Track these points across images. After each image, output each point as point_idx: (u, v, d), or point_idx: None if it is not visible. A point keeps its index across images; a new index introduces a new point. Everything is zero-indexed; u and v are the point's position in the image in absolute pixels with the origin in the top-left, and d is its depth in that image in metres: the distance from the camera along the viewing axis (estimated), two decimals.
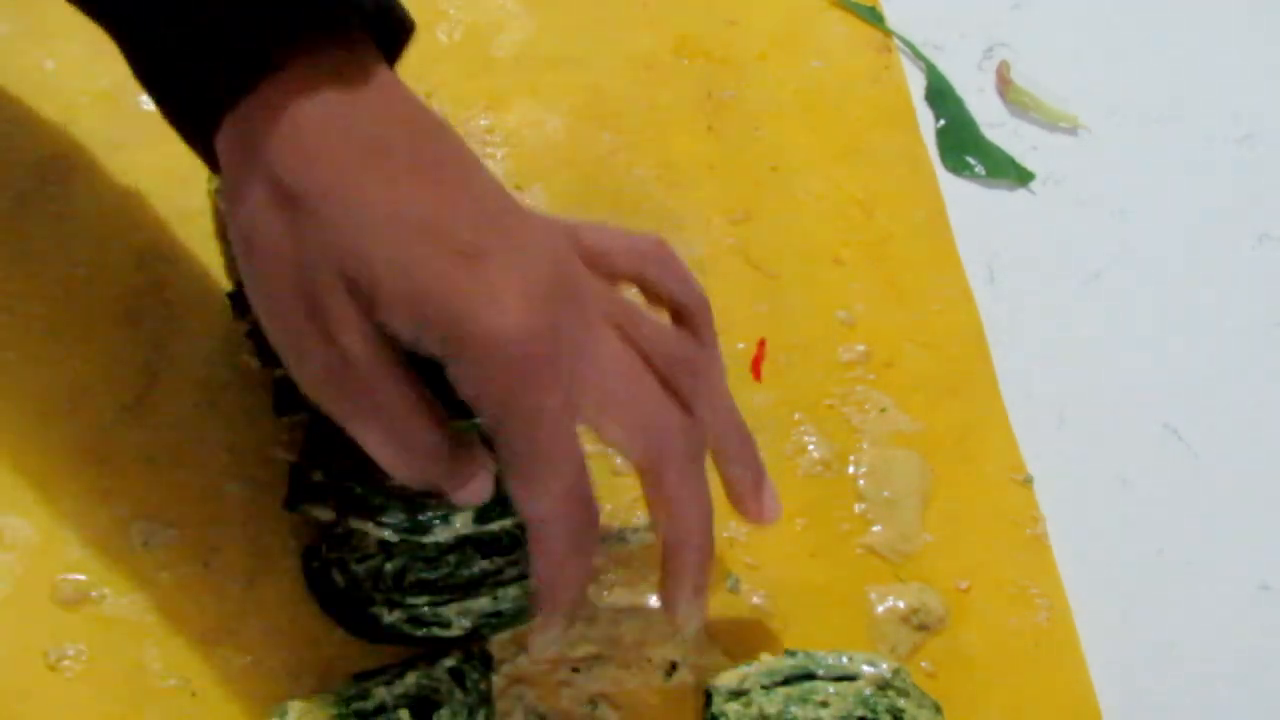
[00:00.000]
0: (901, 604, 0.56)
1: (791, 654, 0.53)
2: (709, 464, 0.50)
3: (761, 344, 0.62)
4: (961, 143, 0.70)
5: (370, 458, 0.47)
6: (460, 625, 0.52)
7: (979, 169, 0.70)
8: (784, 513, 0.53)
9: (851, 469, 0.60)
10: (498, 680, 0.53)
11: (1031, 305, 0.66)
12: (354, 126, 0.46)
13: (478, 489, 0.47)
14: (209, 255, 0.60)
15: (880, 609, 0.56)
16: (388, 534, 0.52)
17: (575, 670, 0.53)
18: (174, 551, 0.53)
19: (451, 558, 0.53)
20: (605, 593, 0.55)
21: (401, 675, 0.51)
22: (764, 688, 0.52)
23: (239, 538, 0.54)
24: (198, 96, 0.47)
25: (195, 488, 0.55)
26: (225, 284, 0.59)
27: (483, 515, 0.52)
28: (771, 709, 0.51)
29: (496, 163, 0.65)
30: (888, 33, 0.73)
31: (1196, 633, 0.58)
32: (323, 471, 0.53)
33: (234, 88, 0.45)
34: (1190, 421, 0.63)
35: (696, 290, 0.52)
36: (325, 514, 0.52)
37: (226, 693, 0.51)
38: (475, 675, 0.51)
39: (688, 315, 0.51)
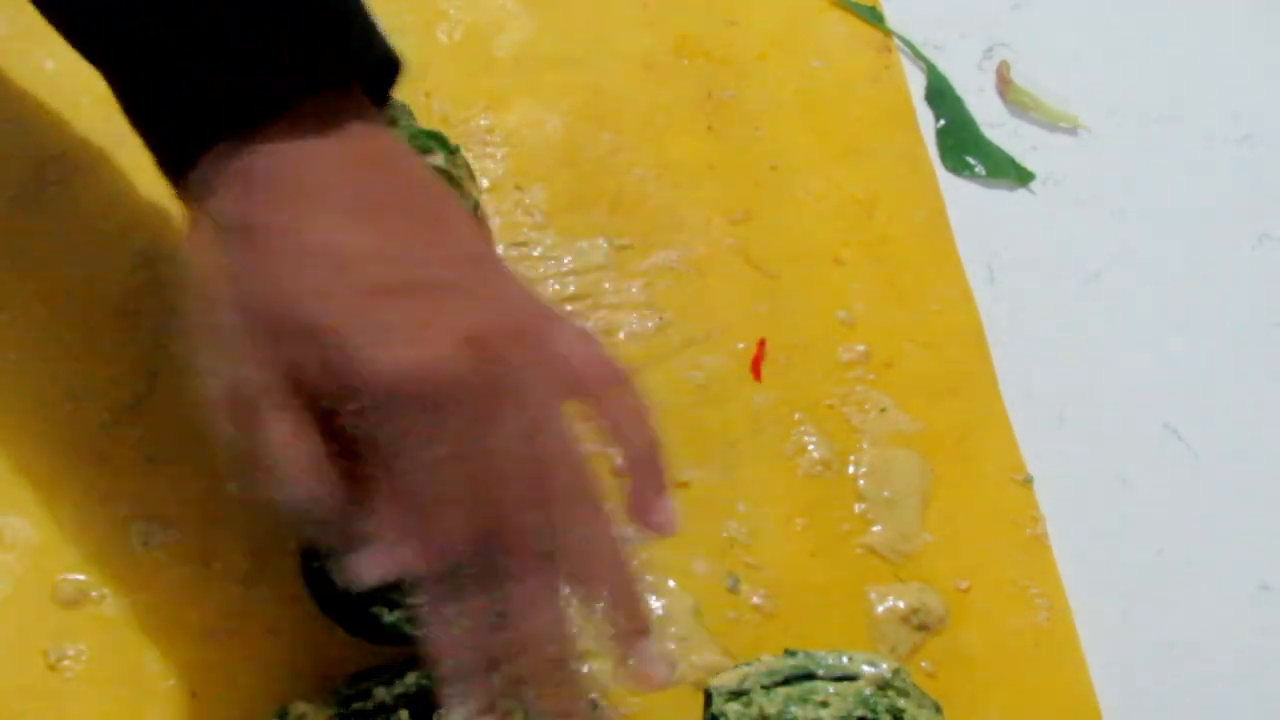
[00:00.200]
0: (901, 604, 0.56)
1: (791, 654, 0.53)
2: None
3: (761, 344, 0.62)
4: (961, 143, 0.70)
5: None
6: None
7: (979, 169, 0.70)
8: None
9: (851, 469, 0.60)
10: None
11: (1031, 305, 0.66)
12: (306, 174, 0.46)
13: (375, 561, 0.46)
14: None
15: (880, 609, 0.56)
16: None
17: (575, 670, 0.53)
18: (174, 551, 0.54)
19: None
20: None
21: (401, 675, 0.51)
22: (764, 688, 0.52)
23: (239, 538, 0.54)
24: (173, 141, 0.47)
25: (195, 488, 0.55)
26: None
27: None
28: (771, 709, 0.51)
29: (496, 163, 0.65)
30: (888, 33, 0.73)
31: (1196, 633, 0.58)
32: None
33: (208, 137, 0.46)
34: (1190, 421, 0.63)
35: (645, 433, 0.50)
36: None
37: (226, 693, 0.51)
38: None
39: (629, 459, 0.50)
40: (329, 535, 0.45)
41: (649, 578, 0.56)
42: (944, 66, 0.72)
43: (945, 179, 0.69)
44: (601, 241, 0.64)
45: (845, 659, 0.53)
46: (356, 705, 0.50)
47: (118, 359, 0.57)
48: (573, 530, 0.47)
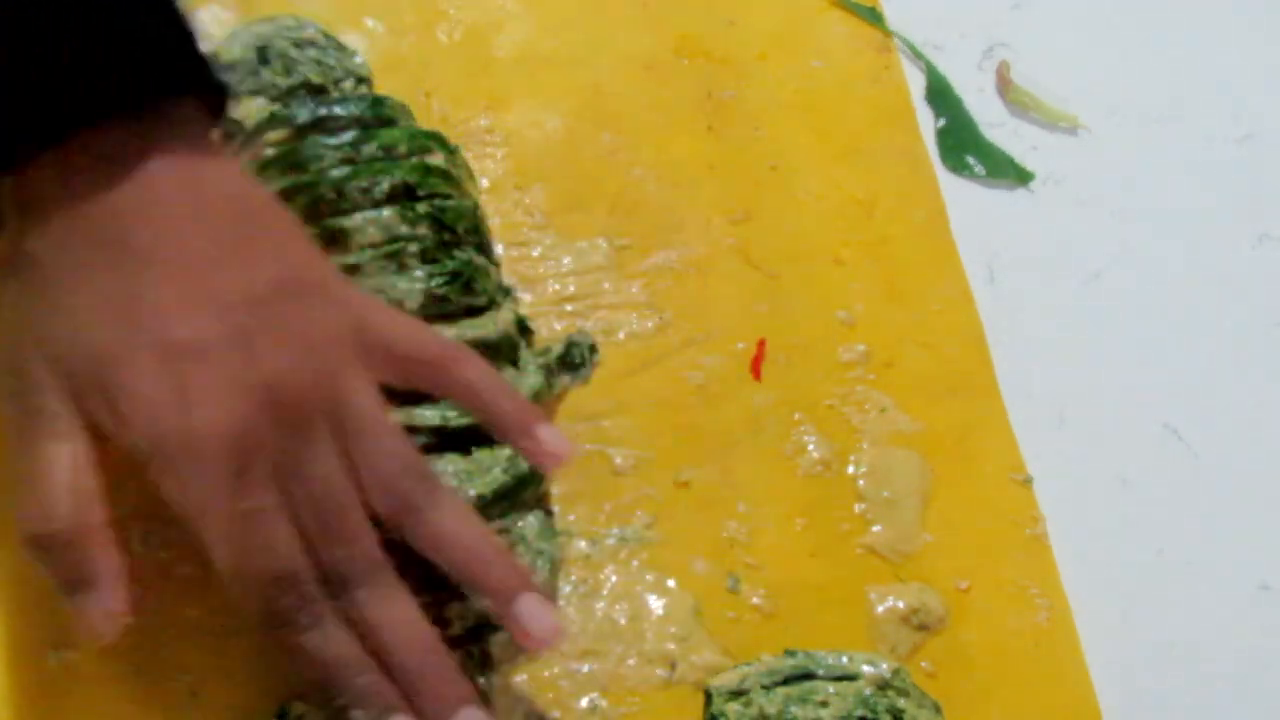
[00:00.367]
0: (901, 604, 0.56)
1: (791, 654, 0.53)
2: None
3: (761, 344, 0.62)
4: (961, 143, 0.70)
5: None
6: (460, 625, 0.52)
7: (979, 169, 0.70)
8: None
9: (851, 469, 0.60)
10: (498, 680, 0.53)
11: (1031, 305, 0.66)
12: (101, 210, 0.45)
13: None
14: None
15: (880, 609, 0.56)
16: None
17: (574, 670, 0.53)
18: (174, 551, 0.53)
19: None
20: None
21: None
22: (764, 688, 0.52)
23: None
24: None
25: None
26: None
27: (482, 515, 0.52)
28: (771, 709, 0.51)
29: (496, 162, 0.65)
30: (888, 33, 0.73)
31: (1196, 633, 0.58)
32: None
33: (8, 156, 0.45)
34: (1190, 421, 0.63)
35: (480, 403, 0.50)
36: None
37: (226, 693, 0.51)
38: (474, 676, 0.51)
39: (488, 422, 0.50)
40: (55, 573, 0.45)
41: (650, 576, 0.56)
42: (944, 66, 0.72)
43: (945, 179, 0.69)
44: (601, 241, 0.64)
45: (845, 659, 0.53)
46: None
47: None
48: (423, 514, 0.47)
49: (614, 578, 0.56)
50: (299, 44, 0.63)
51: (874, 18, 0.73)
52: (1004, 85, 0.72)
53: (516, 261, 0.63)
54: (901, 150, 0.69)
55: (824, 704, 0.51)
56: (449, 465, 0.53)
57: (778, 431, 0.60)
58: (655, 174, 0.66)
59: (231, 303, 0.46)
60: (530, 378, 0.56)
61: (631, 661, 0.54)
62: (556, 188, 0.65)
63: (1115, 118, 0.72)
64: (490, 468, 0.53)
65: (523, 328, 0.59)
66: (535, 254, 0.63)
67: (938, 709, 0.53)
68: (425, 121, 0.63)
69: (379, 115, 0.60)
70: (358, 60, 0.65)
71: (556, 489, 0.57)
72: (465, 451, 0.54)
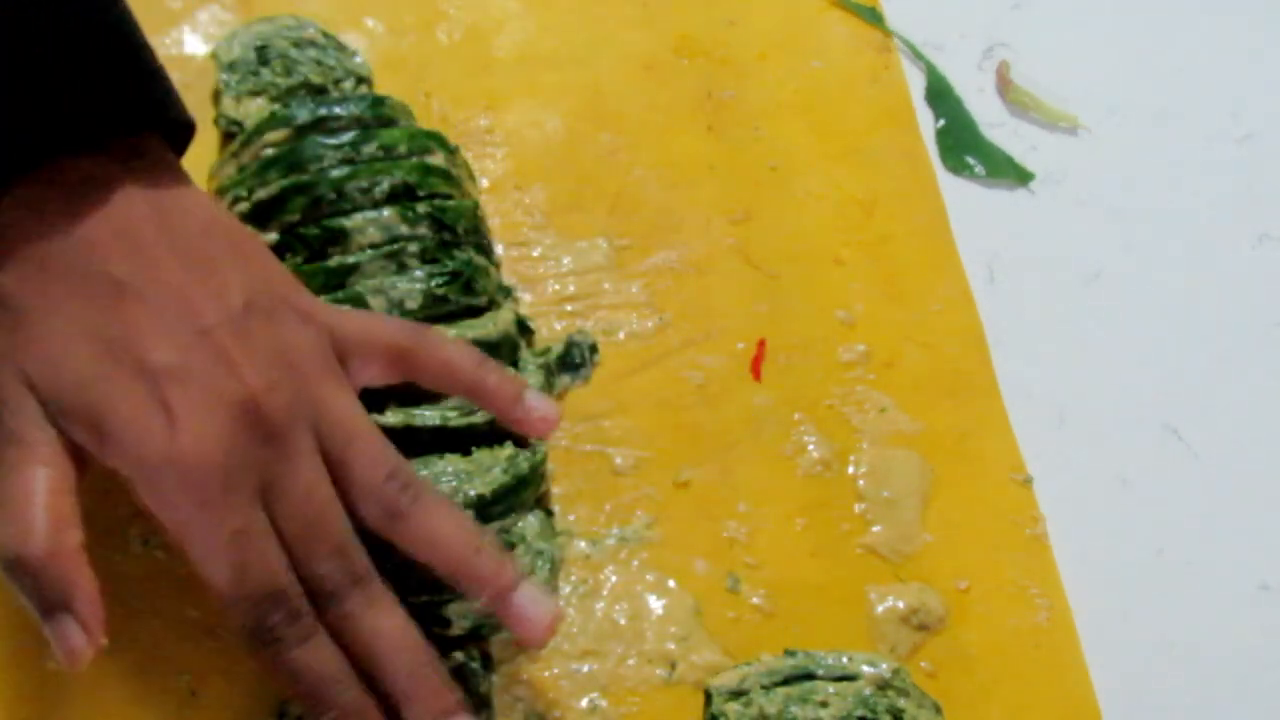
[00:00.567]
0: (901, 604, 0.56)
1: (791, 654, 0.53)
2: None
3: (761, 344, 0.62)
4: (961, 143, 0.70)
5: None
6: (460, 625, 0.52)
7: (979, 169, 0.70)
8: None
9: (851, 469, 0.60)
10: (498, 680, 0.53)
11: (1031, 305, 0.66)
12: (67, 242, 0.46)
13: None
14: None
15: (880, 609, 0.56)
16: None
17: (575, 670, 0.53)
18: (174, 552, 0.53)
19: None
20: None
21: None
22: (764, 688, 0.52)
23: None
24: None
25: None
26: None
27: (482, 515, 0.52)
28: (771, 709, 0.51)
29: (496, 162, 0.65)
30: (888, 33, 0.73)
31: (1196, 633, 0.58)
32: None
33: None
34: (1190, 421, 0.63)
35: (463, 377, 0.51)
36: None
37: (226, 693, 0.51)
38: (475, 676, 0.51)
39: (473, 396, 0.51)
40: (31, 596, 0.45)
41: (650, 576, 0.56)
42: (944, 66, 0.72)
43: (945, 179, 0.69)
44: (601, 241, 0.64)
45: (845, 659, 0.53)
46: None
47: None
48: (410, 518, 0.48)
49: (614, 578, 0.56)
50: (299, 44, 0.64)
51: (874, 18, 0.73)
52: (1004, 85, 0.72)
53: (516, 261, 0.63)
54: (901, 150, 0.69)
55: (824, 704, 0.51)
56: (449, 465, 0.53)
57: (778, 431, 0.60)
58: (655, 174, 0.66)
59: (207, 325, 0.46)
60: (530, 378, 0.56)
61: (631, 661, 0.54)
62: (556, 188, 0.65)
63: (1115, 118, 0.72)
64: (490, 468, 0.53)
65: (523, 328, 0.59)
66: (535, 254, 0.63)
67: (938, 709, 0.53)
68: (425, 121, 0.63)
69: (379, 115, 0.60)
70: (358, 60, 0.65)
71: (556, 489, 0.57)
72: (465, 451, 0.54)
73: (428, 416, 0.54)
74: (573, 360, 0.59)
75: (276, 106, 0.60)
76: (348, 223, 0.56)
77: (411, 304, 0.55)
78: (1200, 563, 0.60)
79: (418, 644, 0.47)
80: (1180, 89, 0.73)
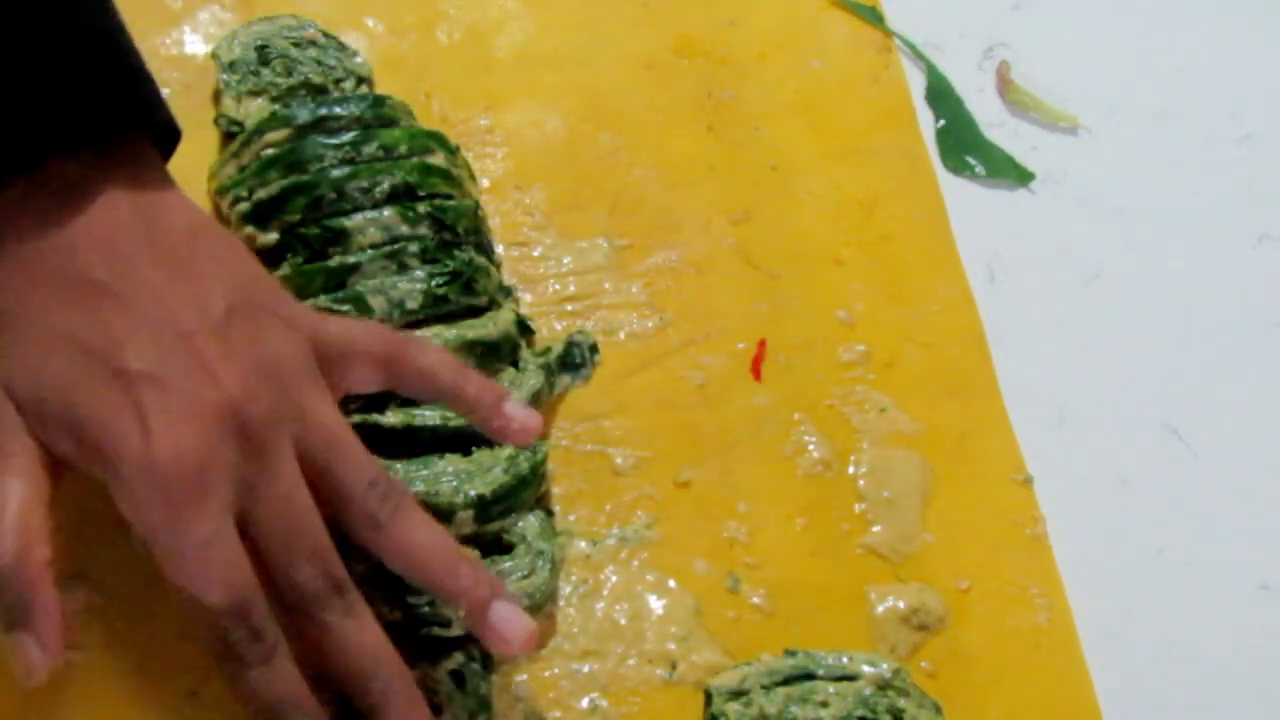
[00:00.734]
0: (901, 604, 0.56)
1: (791, 654, 0.53)
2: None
3: (761, 344, 0.62)
4: (961, 143, 0.70)
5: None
6: (460, 625, 0.52)
7: (979, 169, 0.70)
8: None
9: (851, 469, 0.60)
10: (497, 680, 0.53)
11: (1031, 305, 0.66)
12: (50, 246, 0.46)
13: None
14: None
15: (880, 609, 0.56)
16: None
17: (575, 670, 0.53)
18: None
19: None
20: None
21: None
22: (764, 688, 0.52)
23: None
24: None
25: None
26: None
27: (483, 515, 0.52)
28: (771, 709, 0.51)
29: (496, 162, 0.65)
30: (888, 33, 0.73)
31: (1196, 633, 0.58)
32: None
33: None
34: (1190, 421, 0.63)
35: (443, 385, 0.51)
36: None
37: (227, 693, 0.51)
38: (475, 676, 0.51)
39: (453, 404, 0.51)
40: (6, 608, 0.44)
41: (650, 576, 0.56)
42: (944, 66, 0.72)
43: (945, 179, 0.69)
44: (601, 241, 0.64)
45: (845, 659, 0.53)
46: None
47: None
48: (389, 529, 0.48)
49: (614, 578, 0.56)
50: (299, 44, 0.64)
51: (874, 18, 0.73)
52: (1004, 85, 0.72)
53: (517, 261, 0.63)
54: (901, 150, 0.69)
55: (824, 704, 0.51)
56: (449, 465, 0.53)
57: (778, 431, 0.60)
58: (655, 174, 0.66)
59: (188, 330, 0.46)
60: (530, 378, 0.56)
61: (632, 661, 0.54)
62: (556, 188, 0.65)
63: (1115, 118, 0.72)
64: (490, 468, 0.53)
65: (523, 328, 0.59)
66: (535, 254, 0.63)
67: (938, 709, 0.53)
68: (425, 121, 0.63)
69: (379, 115, 0.60)
70: (358, 60, 0.65)
71: (557, 489, 0.57)
72: (465, 451, 0.54)
73: (428, 416, 0.54)
74: (573, 360, 0.59)
75: (277, 106, 0.60)
76: (348, 223, 0.56)
77: (412, 304, 0.55)
78: (1200, 563, 0.60)
79: (392, 657, 0.47)
80: (1180, 89, 0.73)
